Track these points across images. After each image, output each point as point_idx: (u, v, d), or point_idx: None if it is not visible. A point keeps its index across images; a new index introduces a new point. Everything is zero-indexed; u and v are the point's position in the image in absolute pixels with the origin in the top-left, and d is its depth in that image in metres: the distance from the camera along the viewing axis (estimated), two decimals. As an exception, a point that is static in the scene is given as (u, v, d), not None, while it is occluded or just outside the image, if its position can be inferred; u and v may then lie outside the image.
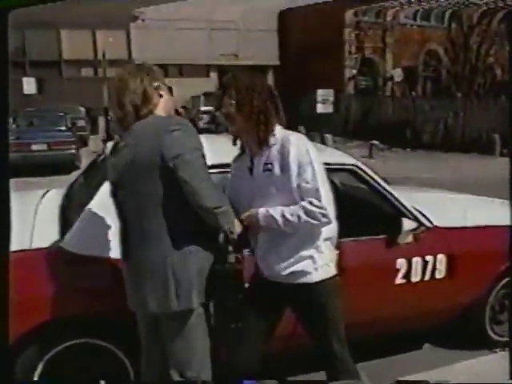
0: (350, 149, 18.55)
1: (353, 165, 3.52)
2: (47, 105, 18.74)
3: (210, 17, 25.33)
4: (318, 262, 2.59)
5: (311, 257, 2.58)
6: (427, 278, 3.55)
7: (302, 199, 2.48)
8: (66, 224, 3.29)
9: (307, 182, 2.47)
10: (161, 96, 2.55)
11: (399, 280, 3.47)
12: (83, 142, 17.76)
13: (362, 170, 3.52)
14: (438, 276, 3.57)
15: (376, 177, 3.55)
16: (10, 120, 15.56)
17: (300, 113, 22.79)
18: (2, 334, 1.91)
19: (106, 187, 2.82)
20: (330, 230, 2.62)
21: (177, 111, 13.54)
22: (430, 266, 3.54)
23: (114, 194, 2.60)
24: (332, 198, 2.54)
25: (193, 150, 2.39)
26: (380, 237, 3.45)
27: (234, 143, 2.71)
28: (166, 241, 2.43)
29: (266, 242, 2.64)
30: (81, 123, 19.38)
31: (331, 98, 14.82)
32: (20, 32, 23.47)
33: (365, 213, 3.42)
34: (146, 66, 2.61)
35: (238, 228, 2.53)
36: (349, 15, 24.30)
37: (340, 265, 3.07)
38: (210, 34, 25.68)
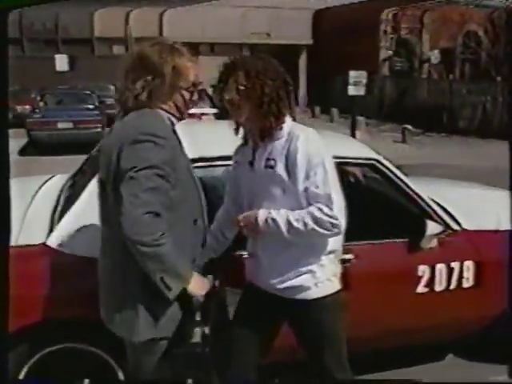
0: (382, 132, 18.19)
1: (373, 159, 3.19)
2: (79, 82, 18.67)
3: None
4: (319, 277, 2.31)
5: (311, 271, 2.29)
6: (453, 286, 3.19)
7: (310, 204, 2.17)
8: (58, 219, 3.05)
9: (317, 187, 2.16)
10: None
11: (421, 289, 3.13)
12: (112, 120, 17.62)
13: (383, 164, 3.19)
14: (465, 285, 3.21)
15: (398, 173, 3.21)
16: (38, 98, 15.54)
17: (333, 94, 22.37)
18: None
19: (94, 183, 2.56)
20: (336, 240, 2.31)
21: (205, 90, 13.32)
22: (456, 274, 3.18)
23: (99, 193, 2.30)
24: (344, 205, 2.21)
25: (145, 167, 1.99)
26: (400, 240, 3.11)
27: (237, 132, 2.39)
28: (117, 253, 2.15)
29: (263, 249, 2.35)
30: (110, 101, 19.25)
31: (364, 80, 14.26)
32: (53, 9, 23.43)
33: (384, 213, 3.11)
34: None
35: (196, 289, 2.11)
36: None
37: (354, 271, 2.78)
38: (243, 12, 25.25)
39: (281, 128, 2.24)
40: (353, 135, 14.67)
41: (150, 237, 1.97)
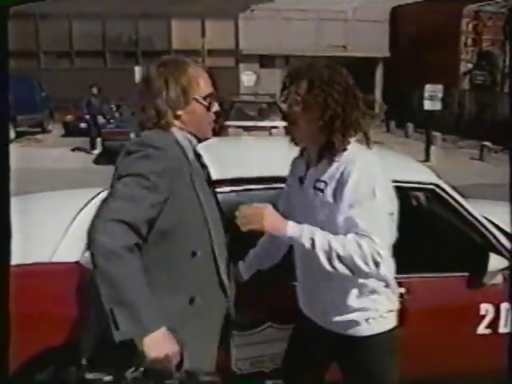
0: (459, 148, 17.48)
1: (433, 184, 2.92)
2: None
3: (319, 7, 24.70)
4: (371, 313, 2.07)
5: (363, 308, 2.06)
6: (520, 329, 2.86)
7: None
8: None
9: (361, 218, 1.86)
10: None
11: (482, 329, 2.84)
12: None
13: (443, 190, 2.91)
14: (533, 328, 2.88)
15: (461, 199, 2.92)
16: (114, 108, 15.96)
17: (409, 108, 21.78)
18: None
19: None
20: (391, 273, 2.06)
21: (276, 103, 13.20)
22: (523, 315, 2.86)
23: None
24: (390, 243, 1.95)
25: (127, 174, 1.80)
26: (461, 274, 2.83)
27: (296, 144, 2.15)
28: None
29: (306, 275, 2.15)
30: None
31: (440, 94, 13.75)
32: (133, 22, 24.11)
33: (443, 244, 2.83)
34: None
35: (152, 348, 1.67)
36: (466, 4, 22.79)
37: (408, 307, 2.53)
38: (319, 24, 25.07)
39: (344, 149, 1.97)
40: (427, 151, 14.19)
41: (107, 247, 1.66)
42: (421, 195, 3.26)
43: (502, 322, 2.84)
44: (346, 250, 1.83)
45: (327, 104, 1.93)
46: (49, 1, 19.99)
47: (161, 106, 1.94)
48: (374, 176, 1.92)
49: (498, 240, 2.89)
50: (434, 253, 2.74)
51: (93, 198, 3.85)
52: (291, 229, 1.92)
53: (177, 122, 1.99)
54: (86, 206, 3.64)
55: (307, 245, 1.88)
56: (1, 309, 1.70)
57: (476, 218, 2.90)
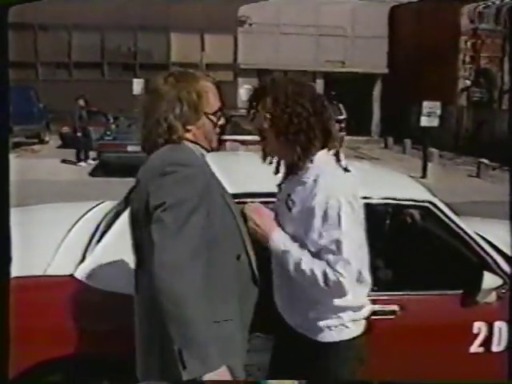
0: (457, 165, 17.52)
1: (427, 201, 2.92)
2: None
3: (317, 22, 24.85)
4: (334, 321, 2.09)
5: (325, 316, 2.08)
6: (514, 348, 2.84)
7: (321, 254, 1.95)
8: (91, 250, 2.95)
9: (329, 237, 1.91)
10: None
11: (475, 348, 2.81)
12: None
13: (437, 207, 2.90)
14: (527, 346, 2.86)
15: (454, 217, 2.91)
16: (112, 119, 15.97)
17: (407, 125, 21.82)
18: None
19: (125, 215, 2.43)
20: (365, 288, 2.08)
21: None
22: (517, 334, 2.84)
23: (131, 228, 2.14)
24: (365, 262, 1.99)
25: (174, 203, 1.80)
26: (454, 292, 2.81)
27: (264, 160, 2.17)
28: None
29: (281, 279, 2.18)
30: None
31: (438, 111, 13.78)
32: (132, 35, 24.19)
33: (437, 261, 2.82)
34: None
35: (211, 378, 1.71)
36: (464, 22, 22.90)
37: (399, 324, 2.52)
38: (318, 39, 25.20)
39: (311, 161, 1.99)
40: (424, 167, 14.21)
41: (176, 291, 1.71)
42: (415, 212, 3.26)
43: (494, 340, 2.82)
44: (311, 274, 1.93)
45: (291, 119, 1.96)
46: (47, 12, 20.09)
47: (173, 122, 1.95)
48: (337, 196, 1.92)
49: (492, 258, 2.88)
50: (427, 270, 2.73)
51: (87, 212, 3.85)
52: (275, 238, 2.05)
53: (187, 136, 2.00)
54: (80, 219, 3.64)
55: (280, 257, 2.02)
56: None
57: (470, 236, 2.89)
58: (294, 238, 2.02)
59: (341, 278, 1.89)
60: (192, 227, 1.79)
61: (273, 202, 2.53)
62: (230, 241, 2.00)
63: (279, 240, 2.04)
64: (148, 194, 1.87)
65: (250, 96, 2.09)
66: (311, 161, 2.00)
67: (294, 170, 2.05)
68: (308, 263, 1.95)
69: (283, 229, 2.07)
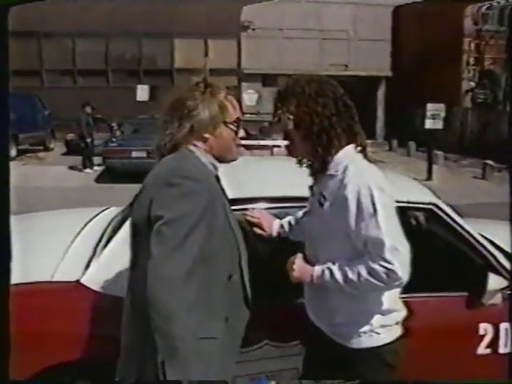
0: (462, 167, 17.46)
1: (431, 203, 2.91)
2: (160, 112, 19.15)
3: (320, 26, 24.86)
4: (364, 328, 2.09)
5: (355, 322, 2.09)
6: (520, 349, 2.83)
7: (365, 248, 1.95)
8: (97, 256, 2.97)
9: (369, 230, 1.91)
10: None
11: (482, 350, 2.81)
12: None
13: (442, 210, 2.90)
14: (534, 348, 2.85)
15: (459, 219, 2.91)
16: (116, 126, 16.00)
17: (411, 127, 21.79)
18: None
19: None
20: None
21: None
22: (523, 335, 2.83)
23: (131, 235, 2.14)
24: (407, 251, 1.97)
25: (175, 217, 1.82)
26: (460, 294, 2.81)
27: (300, 165, 2.19)
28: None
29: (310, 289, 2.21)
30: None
31: (442, 114, 13.76)
32: (136, 41, 24.26)
33: (442, 263, 2.82)
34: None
35: None
36: (468, 23, 22.88)
37: (408, 327, 2.51)
38: (321, 43, 25.19)
39: (338, 157, 2.01)
40: (429, 170, 14.18)
41: (168, 307, 1.74)
42: (419, 215, 3.25)
43: (501, 342, 2.82)
44: (362, 278, 1.93)
45: (312, 120, 1.98)
46: (52, 19, 20.16)
47: (195, 127, 1.99)
48: (369, 184, 1.93)
49: (497, 260, 2.87)
50: (432, 272, 2.72)
51: (94, 217, 3.86)
52: (315, 274, 2.07)
53: (202, 145, 2.02)
54: (86, 225, 3.65)
55: (331, 282, 2.02)
56: (1, 327, 1.71)
57: (475, 238, 2.88)
58: (330, 233, 2.03)
59: (390, 266, 1.88)
60: (191, 244, 1.81)
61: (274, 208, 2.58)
62: (225, 259, 2.00)
63: (319, 271, 2.05)
64: (152, 201, 1.88)
65: (274, 99, 2.11)
66: (338, 156, 2.02)
67: (322, 169, 2.06)
68: (353, 271, 1.95)
69: (318, 226, 2.08)
